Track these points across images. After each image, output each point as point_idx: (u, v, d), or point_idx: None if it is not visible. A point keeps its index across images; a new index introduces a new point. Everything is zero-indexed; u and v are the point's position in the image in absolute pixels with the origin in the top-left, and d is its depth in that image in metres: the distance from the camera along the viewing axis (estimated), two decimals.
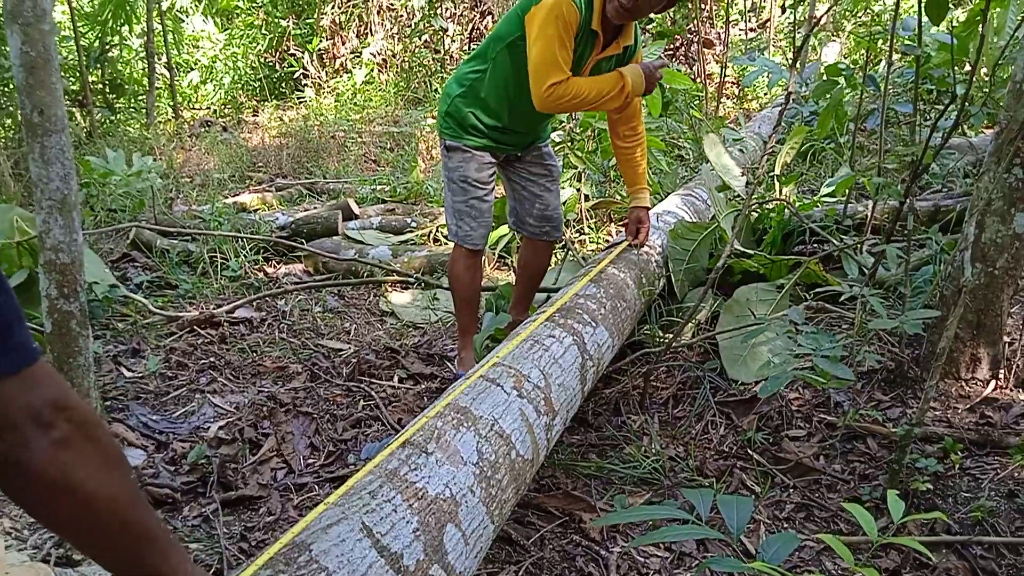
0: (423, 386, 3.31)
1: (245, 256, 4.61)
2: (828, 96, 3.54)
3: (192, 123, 10.50)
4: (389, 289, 4.31)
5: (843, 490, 2.59)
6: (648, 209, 3.32)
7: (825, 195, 4.12)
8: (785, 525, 2.48)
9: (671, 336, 3.01)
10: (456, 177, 3.14)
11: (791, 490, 2.61)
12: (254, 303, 4.16)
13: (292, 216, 5.37)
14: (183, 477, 2.68)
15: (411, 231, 5.34)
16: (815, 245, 3.79)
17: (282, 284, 4.45)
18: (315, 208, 5.67)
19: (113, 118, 9.33)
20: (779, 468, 2.69)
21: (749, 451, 2.78)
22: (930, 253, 3.48)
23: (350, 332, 3.92)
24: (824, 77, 3.75)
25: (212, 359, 3.56)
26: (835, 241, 3.57)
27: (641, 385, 3.15)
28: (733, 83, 9.52)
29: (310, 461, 2.84)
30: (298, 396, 3.22)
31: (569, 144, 4.57)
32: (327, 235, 4.94)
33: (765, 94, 8.81)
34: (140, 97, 10.26)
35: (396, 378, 3.36)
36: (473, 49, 3.12)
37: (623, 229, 3.41)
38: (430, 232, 5.31)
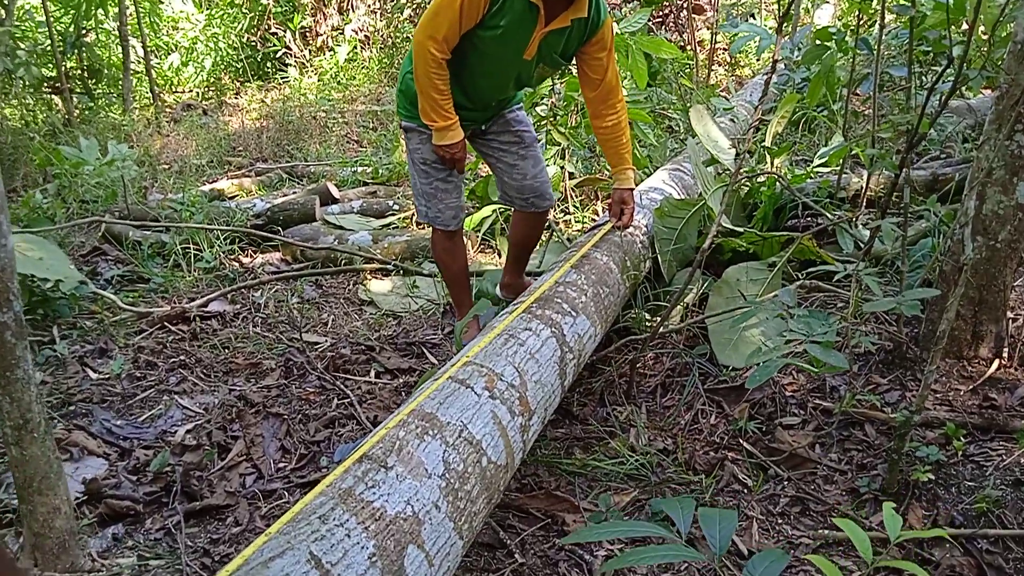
0: (400, 380, 3.16)
1: (220, 246, 4.45)
2: (819, 62, 3.36)
3: (174, 107, 10.28)
4: (368, 277, 4.15)
5: (840, 481, 2.46)
6: (632, 190, 3.15)
7: (818, 166, 3.95)
8: (779, 521, 2.35)
9: (658, 322, 2.86)
10: (416, 159, 3.04)
11: (785, 483, 2.48)
12: (228, 296, 4.01)
13: (270, 202, 5.20)
14: (146, 487, 2.55)
15: (393, 214, 5.17)
16: (808, 219, 3.64)
17: (258, 275, 4.29)
18: (295, 192, 5.50)
19: (92, 105, 9.10)
20: (773, 459, 2.56)
21: (741, 441, 2.65)
22: (928, 225, 3.32)
23: (327, 324, 3.78)
24: (815, 42, 3.57)
25: (182, 357, 3.42)
26: (829, 215, 3.42)
27: (628, 373, 3.01)
28: (724, 50, 9.29)
29: (281, 465, 2.71)
30: (270, 395, 3.08)
31: (552, 119, 4.39)
32: (304, 222, 4.77)
33: (757, 60, 8.59)
34: (121, 82, 10.03)
35: (372, 373, 3.22)
36: None
37: (608, 209, 3.25)
38: (413, 215, 5.15)
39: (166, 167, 6.62)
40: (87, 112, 9.02)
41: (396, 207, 5.24)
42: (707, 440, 2.68)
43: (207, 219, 4.52)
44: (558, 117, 4.40)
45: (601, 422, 2.84)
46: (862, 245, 3.42)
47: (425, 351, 3.41)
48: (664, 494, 2.44)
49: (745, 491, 2.46)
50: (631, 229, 3.21)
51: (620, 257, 3.04)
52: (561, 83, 4.49)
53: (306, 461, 2.72)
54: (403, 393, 3.07)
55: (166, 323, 3.72)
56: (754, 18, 10.20)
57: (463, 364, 2.15)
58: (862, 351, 2.83)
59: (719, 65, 9.05)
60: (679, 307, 3.07)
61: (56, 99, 9.29)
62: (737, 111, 5.55)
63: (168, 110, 9.44)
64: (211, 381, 3.25)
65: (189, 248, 4.42)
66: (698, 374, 2.94)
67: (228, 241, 4.58)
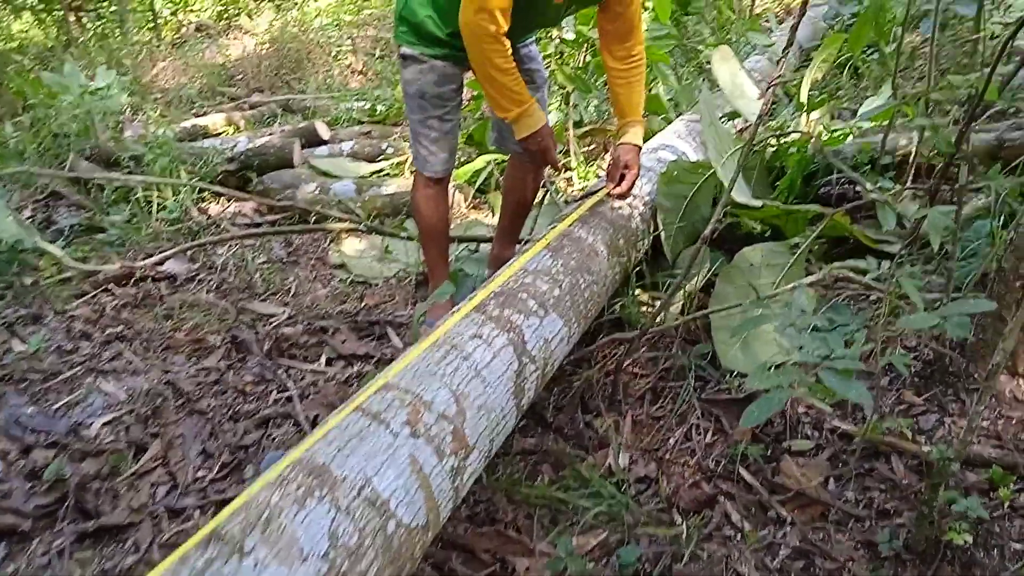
0: (353, 370, 2.75)
1: (186, 194, 4.03)
2: None
3: (187, 27, 9.80)
4: (343, 235, 3.71)
5: (856, 530, 2.01)
6: (639, 148, 2.65)
7: (860, 122, 3.38)
8: None
9: (652, 316, 2.39)
10: (413, 92, 2.68)
11: (788, 529, 2.04)
12: (188, 253, 3.61)
13: (254, 141, 4.76)
14: (40, 498, 2.20)
15: (386, 159, 4.70)
16: (845, 188, 3.10)
17: (224, 229, 3.88)
18: (283, 131, 5.04)
19: (97, 26, 8.66)
20: (776, 497, 2.11)
21: (739, 469, 2.20)
22: (987, 202, 2.77)
23: (290, 290, 3.37)
24: None
25: (121, 328, 3.05)
26: (868, 185, 2.88)
27: (613, 374, 2.56)
28: None
29: (200, 474, 2.34)
30: (204, 382, 2.70)
31: (557, 59, 3.84)
32: (282, 167, 4.31)
33: None
34: None
35: (323, 359, 2.81)
36: None
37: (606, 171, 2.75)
38: (407, 160, 4.67)
39: (161, 95, 6.18)
40: (95, 34, 8.59)
41: (390, 150, 4.76)
42: (698, 466, 2.24)
43: (172, 164, 4.09)
44: (564, 55, 3.85)
45: (578, 433, 2.41)
46: (906, 224, 2.89)
47: (389, 332, 2.98)
48: (638, 540, 2.02)
49: (738, 537, 2.03)
50: (629, 199, 2.72)
51: (610, 236, 2.56)
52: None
53: (229, 470, 2.34)
54: (355, 385, 2.67)
55: (112, 284, 3.34)
56: None
57: (380, 389, 1.72)
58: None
59: None
60: (677, 297, 2.59)
61: (72, 17, 8.87)
62: (778, 48, 4.91)
63: (176, 33, 8.97)
64: (147, 358, 2.88)
65: (153, 195, 4.01)
66: (695, 379, 2.48)
67: (195, 188, 4.16)
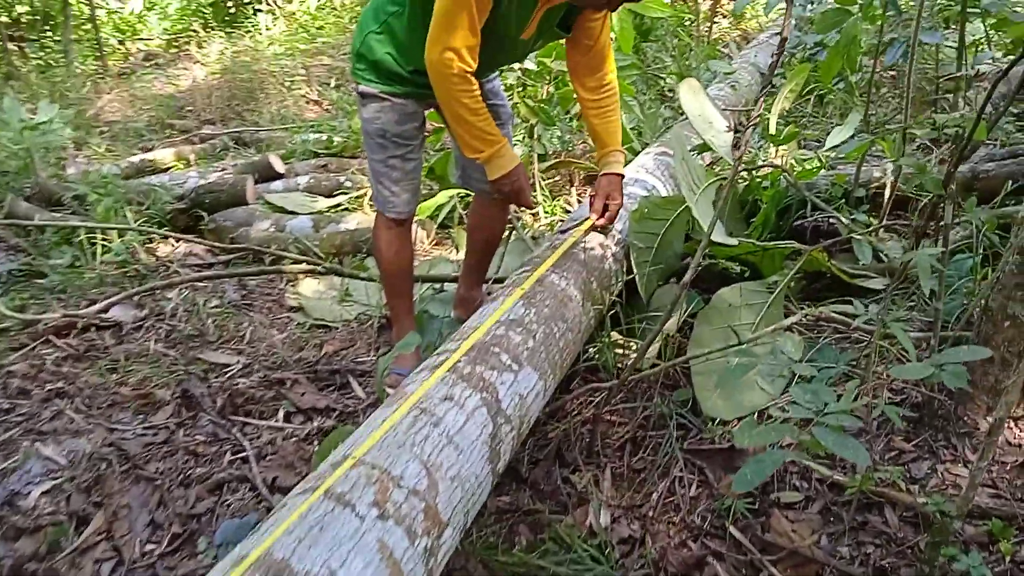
0: (314, 425, 2.59)
1: (133, 235, 3.83)
2: (839, 30, 2.72)
3: (135, 56, 9.54)
4: (300, 276, 3.55)
5: None
6: (622, 177, 2.63)
7: (829, 150, 3.32)
8: None
9: (631, 366, 2.28)
10: (373, 130, 2.54)
11: None
12: (135, 298, 3.41)
13: (205, 177, 4.58)
14: None
15: (344, 192, 4.55)
16: (818, 222, 3.03)
17: (174, 271, 3.69)
18: (236, 166, 4.86)
19: (40, 56, 8.38)
20: (768, 557, 2.00)
21: (727, 526, 2.09)
22: (965, 235, 2.72)
23: (245, 337, 3.19)
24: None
25: (61, 384, 2.85)
26: (843, 219, 2.82)
27: (591, 421, 2.44)
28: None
29: (149, 547, 2.15)
30: (153, 442, 2.52)
31: (519, 91, 3.74)
32: (235, 204, 4.13)
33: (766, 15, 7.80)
34: (84, 28, 9.28)
35: (281, 414, 2.64)
36: None
37: (585, 200, 2.70)
38: (366, 194, 4.52)
39: (105, 130, 5.95)
40: (44, 65, 8.30)
41: (348, 184, 4.61)
42: (684, 523, 2.12)
43: (117, 204, 3.87)
44: (527, 87, 3.75)
45: (555, 489, 2.28)
46: (884, 258, 2.83)
47: (351, 381, 2.83)
48: None
49: None
50: (601, 239, 2.61)
51: (583, 279, 2.44)
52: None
53: (180, 542, 2.16)
54: (316, 443, 2.50)
55: (53, 335, 3.14)
56: None
57: (349, 467, 1.57)
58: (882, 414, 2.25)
59: (723, 17, 8.28)
60: (656, 341, 2.48)
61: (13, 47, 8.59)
62: (739, 76, 4.88)
63: (124, 62, 8.71)
64: (90, 417, 2.68)
65: (97, 236, 3.80)
66: (677, 428, 2.36)
67: (147, 225, 3.96)
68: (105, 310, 3.29)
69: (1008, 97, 1.77)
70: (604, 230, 2.62)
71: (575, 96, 2.72)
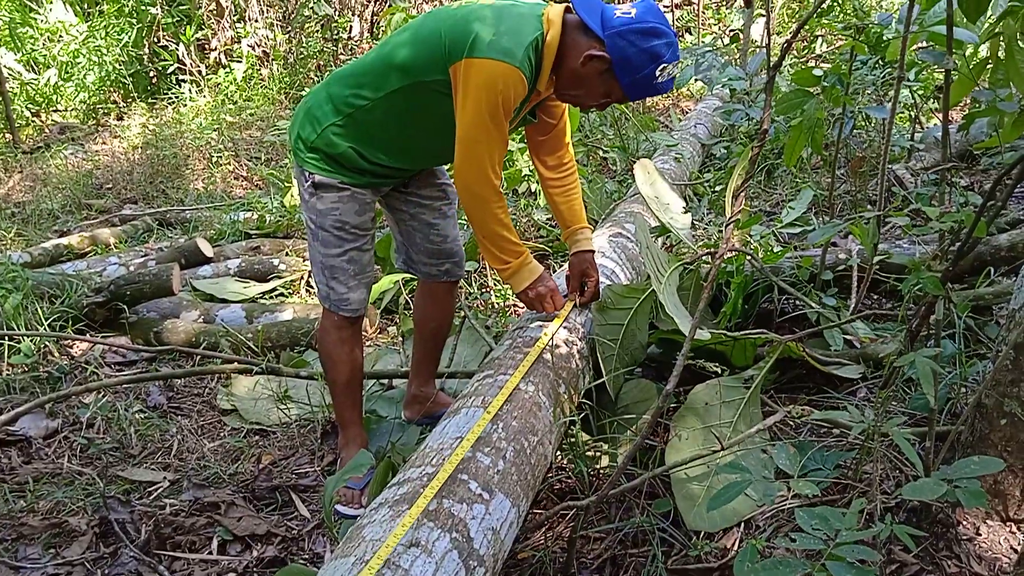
0: (252, 556, 2.29)
1: (42, 337, 3.48)
2: (800, 113, 2.64)
3: (50, 129, 9.12)
4: (232, 375, 3.25)
5: None
6: (593, 252, 2.61)
7: (786, 228, 3.24)
8: None
9: (608, 483, 2.07)
10: (329, 224, 2.36)
11: None
12: (46, 407, 3.07)
13: (126, 263, 4.26)
14: None
15: (278, 277, 4.28)
16: (785, 303, 2.92)
17: (94, 371, 3.36)
18: (160, 250, 4.55)
19: None
20: None
21: None
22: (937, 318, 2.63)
23: (172, 448, 2.88)
24: (787, 82, 2.86)
25: None
26: (813, 304, 2.71)
27: (566, 540, 2.21)
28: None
29: None
30: None
31: None
32: (160, 295, 3.82)
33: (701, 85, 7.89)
34: None
35: (215, 543, 2.34)
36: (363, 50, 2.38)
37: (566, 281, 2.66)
38: (302, 277, 4.27)
39: (15, 212, 5.56)
40: None
41: (283, 267, 4.35)
42: None
43: (26, 300, 3.52)
44: None
45: None
46: (857, 345, 2.72)
47: (294, 498, 2.55)
48: None
49: None
50: (565, 336, 2.43)
51: (551, 382, 2.25)
52: None
53: None
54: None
55: None
56: (690, 34, 9.59)
57: None
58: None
59: None
60: (631, 445, 2.28)
61: None
62: (682, 148, 4.83)
63: (38, 136, 8.29)
64: None
65: (4, 336, 3.45)
66: (660, 546, 2.16)
67: (59, 322, 3.62)
68: (12, 422, 2.94)
69: (1006, 190, 1.67)
70: (587, 308, 2.59)
71: (536, 174, 2.69)
